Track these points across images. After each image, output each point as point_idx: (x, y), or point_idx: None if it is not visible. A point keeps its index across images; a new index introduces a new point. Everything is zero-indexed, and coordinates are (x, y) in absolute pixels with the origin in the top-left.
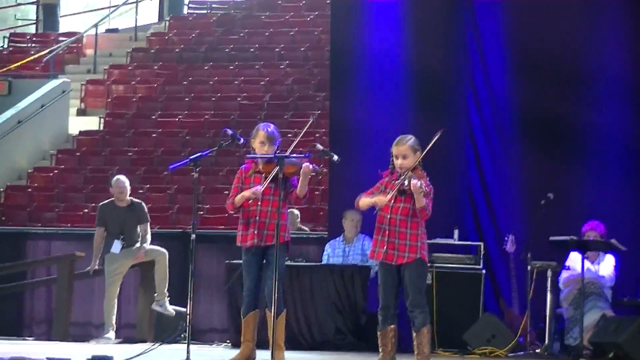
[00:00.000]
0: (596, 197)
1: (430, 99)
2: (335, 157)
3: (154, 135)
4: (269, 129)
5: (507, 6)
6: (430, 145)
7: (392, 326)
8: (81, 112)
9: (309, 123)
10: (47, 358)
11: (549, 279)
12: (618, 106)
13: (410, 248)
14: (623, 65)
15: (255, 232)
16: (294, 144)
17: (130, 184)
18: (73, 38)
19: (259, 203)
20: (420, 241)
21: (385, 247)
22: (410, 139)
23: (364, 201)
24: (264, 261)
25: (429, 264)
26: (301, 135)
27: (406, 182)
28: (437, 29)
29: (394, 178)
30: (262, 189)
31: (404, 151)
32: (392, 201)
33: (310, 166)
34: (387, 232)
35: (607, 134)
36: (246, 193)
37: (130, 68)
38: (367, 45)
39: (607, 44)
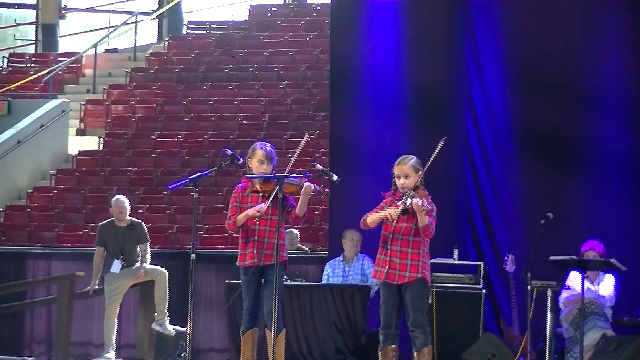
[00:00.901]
0: (596, 215)
1: (429, 116)
2: (335, 177)
3: (153, 155)
4: (267, 148)
5: (504, 22)
6: (434, 155)
7: (393, 346)
8: (80, 132)
9: (304, 141)
10: None
11: (549, 299)
12: (618, 122)
13: (412, 268)
14: (623, 80)
15: (255, 251)
16: (290, 164)
17: (129, 204)
18: (72, 58)
19: (257, 222)
20: (422, 260)
21: (387, 267)
22: (412, 159)
23: (372, 217)
24: (263, 280)
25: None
26: (297, 155)
27: (408, 201)
28: (435, 46)
29: (396, 198)
30: (266, 207)
31: (406, 171)
32: (395, 221)
33: (312, 186)
34: (388, 251)
35: (608, 150)
36: (250, 211)
37: (129, 88)
38: (365, 64)
39: (607, 59)
